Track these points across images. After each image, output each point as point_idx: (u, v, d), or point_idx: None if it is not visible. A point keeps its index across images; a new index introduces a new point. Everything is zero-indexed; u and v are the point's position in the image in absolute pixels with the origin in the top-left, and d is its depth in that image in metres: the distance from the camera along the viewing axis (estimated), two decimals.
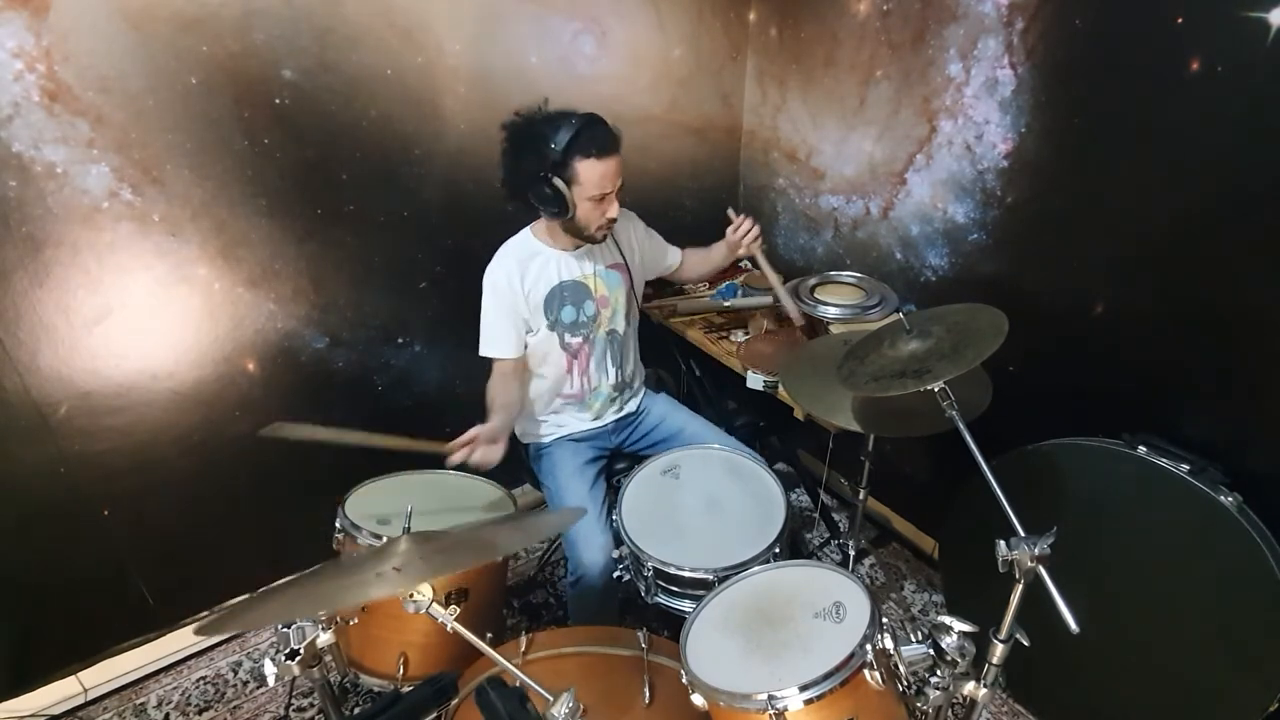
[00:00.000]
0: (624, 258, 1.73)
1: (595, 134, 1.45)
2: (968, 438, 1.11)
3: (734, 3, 2.15)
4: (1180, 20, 1.29)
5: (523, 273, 1.61)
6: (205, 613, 1.97)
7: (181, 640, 1.96)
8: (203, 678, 1.92)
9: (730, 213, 1.77)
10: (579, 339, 1.70)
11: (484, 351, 1.65)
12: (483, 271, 1.63)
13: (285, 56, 1.55)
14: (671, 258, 1.93)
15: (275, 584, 1.06)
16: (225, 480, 1.82)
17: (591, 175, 1.46)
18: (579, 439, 1.79)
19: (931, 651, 1.03)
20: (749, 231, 1.74)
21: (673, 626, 1.32)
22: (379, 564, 1.00)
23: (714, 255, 1.92)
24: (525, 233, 1.66)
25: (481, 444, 1.51)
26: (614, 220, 1.57)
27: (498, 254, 1.64)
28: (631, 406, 1.86)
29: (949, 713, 1.14)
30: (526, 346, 1.67)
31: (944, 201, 1.82)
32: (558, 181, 1.45)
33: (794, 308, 1.80)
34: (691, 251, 1.96)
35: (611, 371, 1.77)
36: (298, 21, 1.54)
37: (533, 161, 1.46)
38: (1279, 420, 1.36)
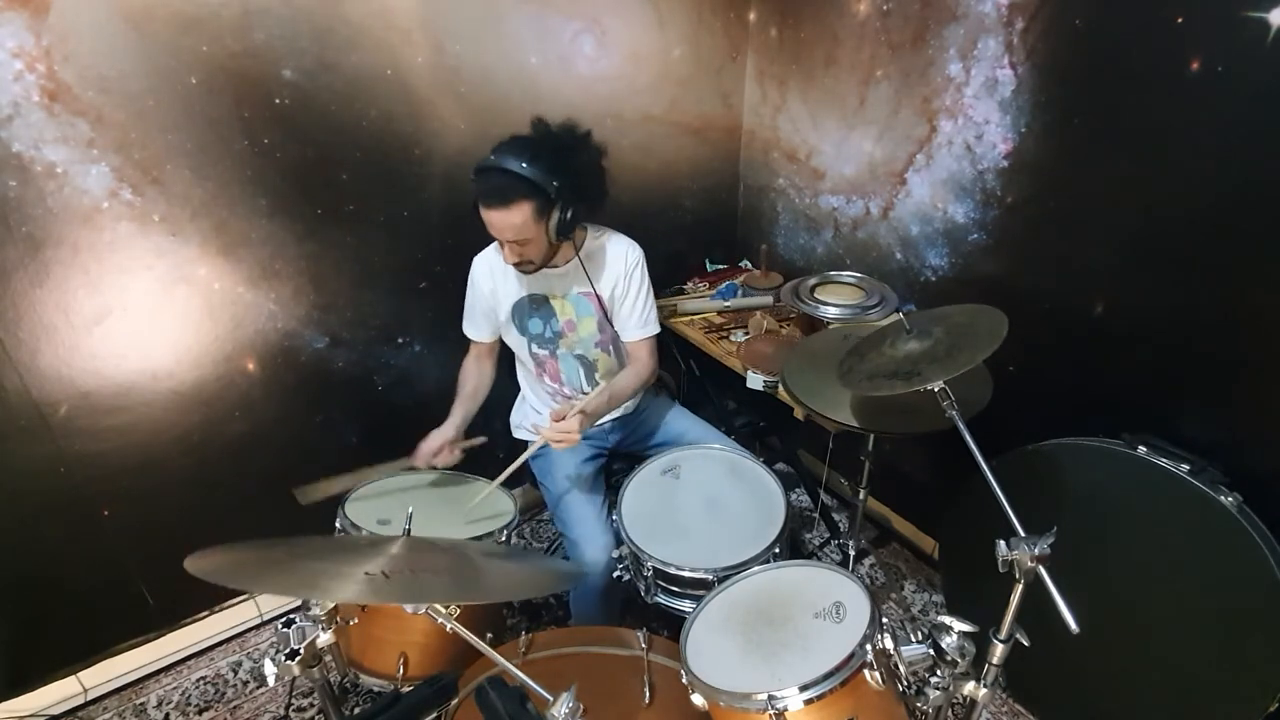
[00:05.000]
0: (593, 286, 1.64)
1: (481, 181, 1.43)
2: (968, 437, 1.11)
3: (734, 3, 2.15)
4: (1180, 20, 1.29)
5: (502, 271, 1.64)
6: (205, 613, 1.97)
7: (181, 640, 1.96)
8: (203, 678, 1.92)
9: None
10: (545, 353, 1.71)
11: (464, 329, 1.76)
12: None
13: (285, 56, 1.55)
14: (638, 330, 1.71)
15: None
16: (225, 480, 1.82)
17: (484, 213, 1.45)
18: None
19: (931, 651, 1.02)
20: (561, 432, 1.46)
21: (673, 626, 1.32)
22: (370, 560, 1.00)
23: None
24: None
25: (449, 447, 1.64)
26: (514, 265, 1.52)
27: (488, 249, 1.68)
28: (629, 407, 1.86)
29: (949, 713, 1.14)
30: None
31: (944, 201, 1.82)
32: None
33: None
34: (647, 351, 1.74)
35: (588, 390, 1.74)
36: (298, 21, 1.54)
37: None
38: (1279, 420, 1.36)
